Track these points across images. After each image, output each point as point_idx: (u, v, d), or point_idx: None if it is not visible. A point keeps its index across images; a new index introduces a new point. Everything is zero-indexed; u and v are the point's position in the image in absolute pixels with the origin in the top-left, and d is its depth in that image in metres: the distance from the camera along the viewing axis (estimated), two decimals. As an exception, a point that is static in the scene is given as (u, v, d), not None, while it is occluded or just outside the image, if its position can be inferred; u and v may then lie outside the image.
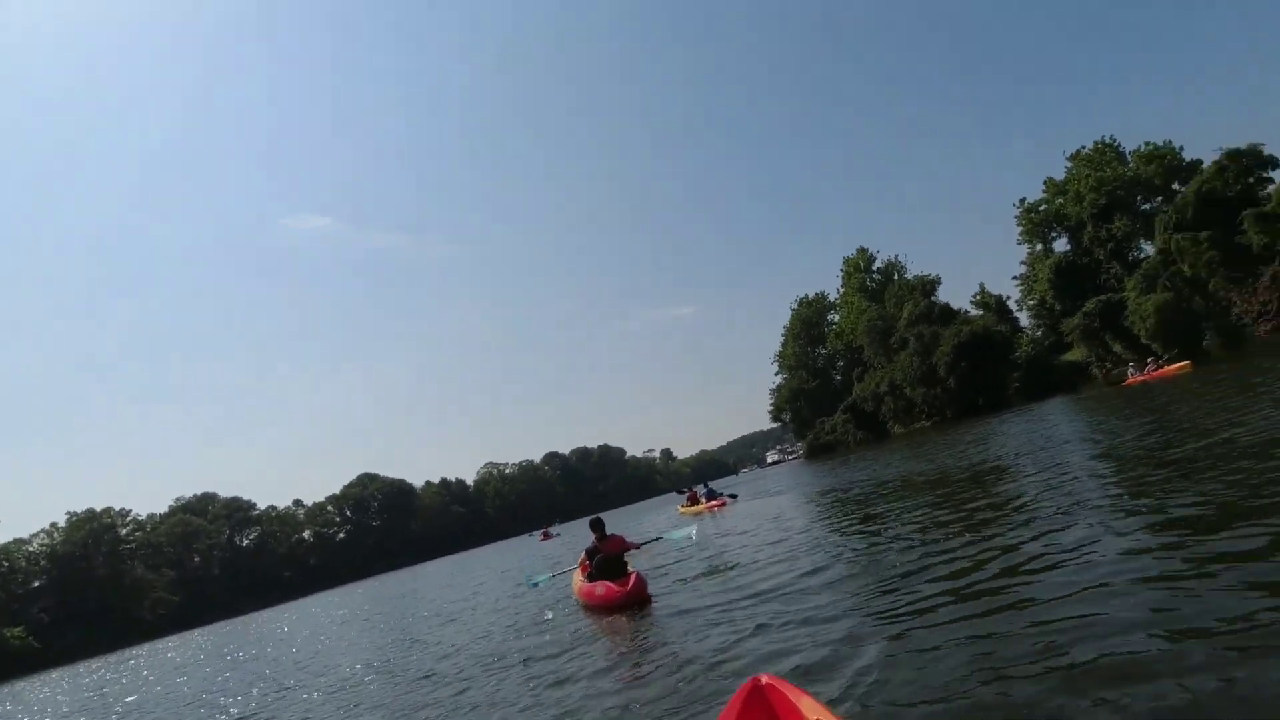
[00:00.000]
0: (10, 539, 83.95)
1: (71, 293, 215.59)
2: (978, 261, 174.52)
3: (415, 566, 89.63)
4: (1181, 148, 46.44)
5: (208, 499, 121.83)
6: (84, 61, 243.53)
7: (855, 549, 8.15)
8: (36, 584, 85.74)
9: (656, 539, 12.32)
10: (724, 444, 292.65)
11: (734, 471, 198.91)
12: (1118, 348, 44.53)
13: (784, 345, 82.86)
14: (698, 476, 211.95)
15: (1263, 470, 6.26)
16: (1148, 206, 47.08)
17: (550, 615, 9.59)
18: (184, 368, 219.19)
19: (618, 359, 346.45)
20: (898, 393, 59.46)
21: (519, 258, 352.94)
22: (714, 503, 25.00)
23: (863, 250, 75.84)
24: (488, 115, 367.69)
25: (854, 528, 10.12)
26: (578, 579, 9.83)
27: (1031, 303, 60.21)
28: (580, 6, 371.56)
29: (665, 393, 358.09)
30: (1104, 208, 46.46)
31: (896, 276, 71.23)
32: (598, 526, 9.95)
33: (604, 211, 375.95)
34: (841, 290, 76.86)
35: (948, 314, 57.59)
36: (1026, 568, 5.28)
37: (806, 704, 2.49)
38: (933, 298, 60.93)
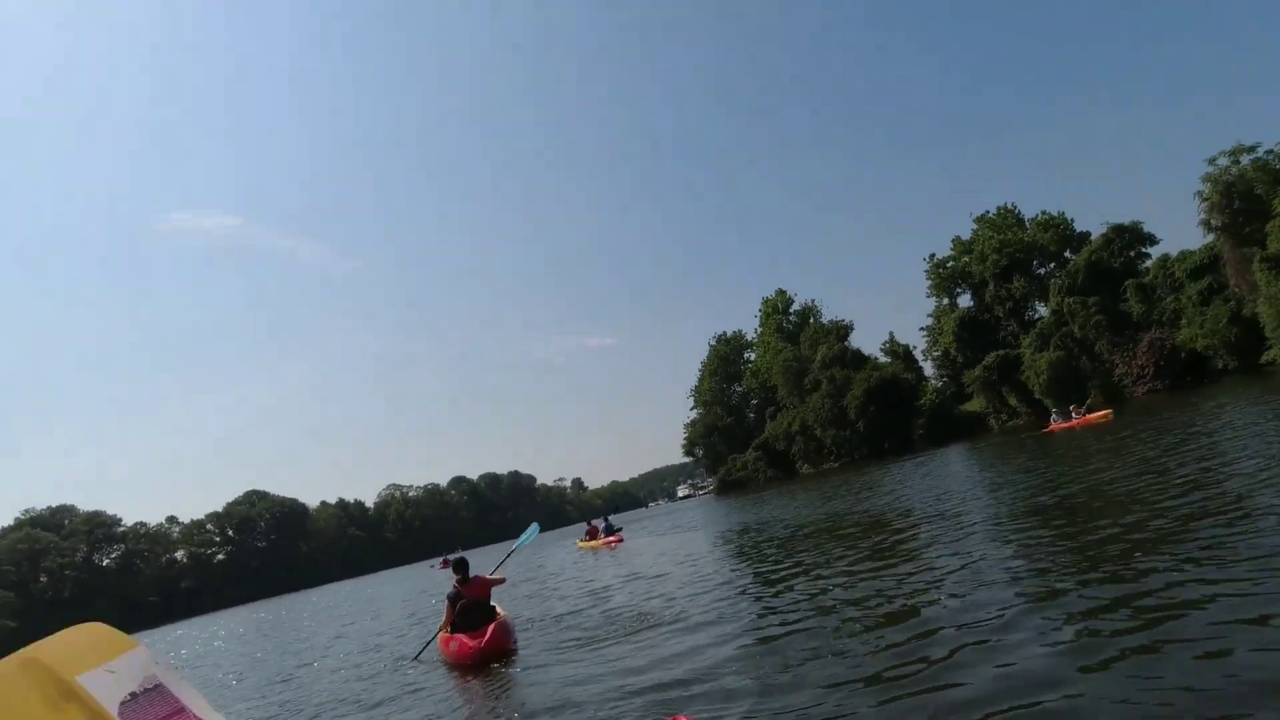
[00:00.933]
0: None
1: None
2: (888, 311, 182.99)
3: (302, 592, 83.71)
4: (1073, 219, 50.24)
5: (64, 512, 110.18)
6: None
7: (750, 599, 7.70)
8: None
9: (508, 555, 11.40)
10: (636, 476, 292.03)
11: (643, 504, 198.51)
12: (1013, 400, 47.06)
13: (700, 380, 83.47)
14: (609, 507, 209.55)
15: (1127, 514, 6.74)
16: (1042, 271, 50.43)
17: (408, 670, 8.53)
18: (52, 370, 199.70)
19: (533, 386, 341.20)
20: (809, 433, 60.64)
21: (433, 276, 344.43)
22: (611, 538, 24.78)
23: (781, 292, 77.82)
24: (417, 126, 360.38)
25: (750, 573, 9.57)
26: (441, 633, 8.74)
27: (936, 354, 63.16)
28: (495, 21, 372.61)
29: (579, 422, 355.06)
30: (1004, 269, 49.46)
31: (812, 320, 73.32)
32: (460, 568, 8.91)
33: (526, 234, 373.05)
34: (759, 329, 78.42)
35: (859, 359, 59.50)
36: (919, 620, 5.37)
37: None
38: (845, 342, 62.93)
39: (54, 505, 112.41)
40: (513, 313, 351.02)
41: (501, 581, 9.42)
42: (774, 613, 6.58)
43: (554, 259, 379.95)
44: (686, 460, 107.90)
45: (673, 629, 6.92)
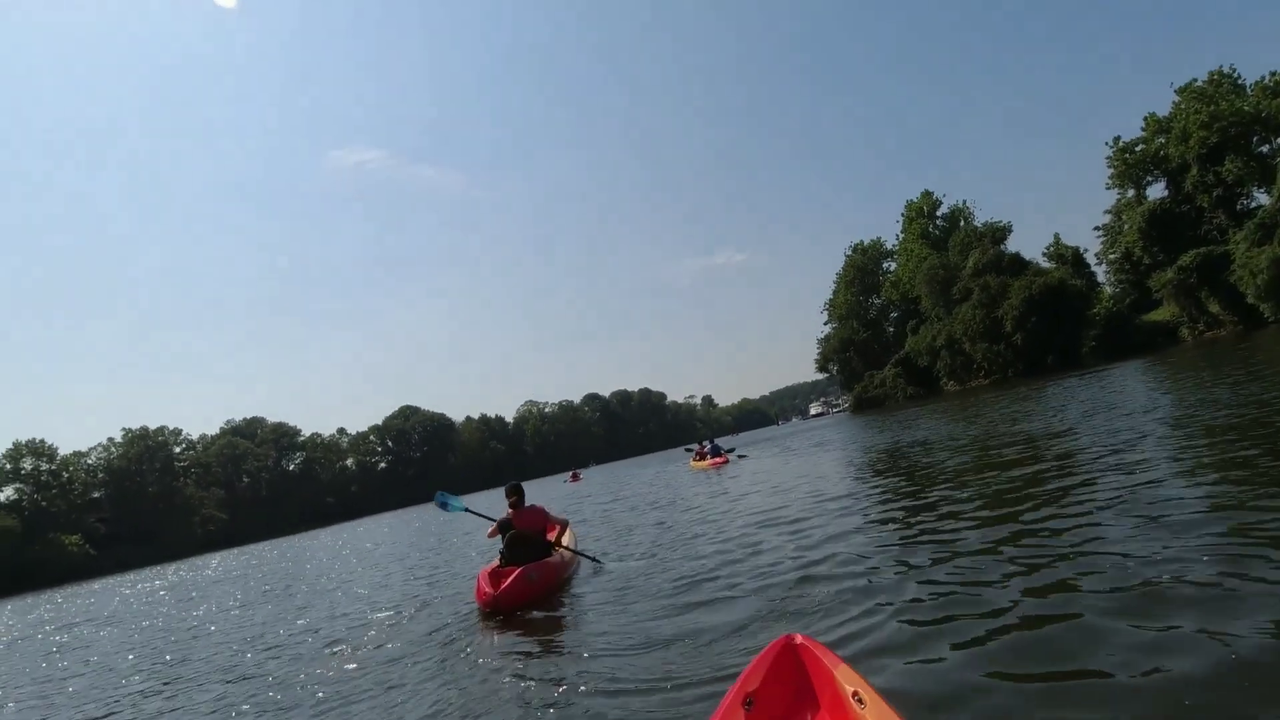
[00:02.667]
0: (70, 452, 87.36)
1: (123, 221, 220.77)
2: (1052, 212, 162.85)
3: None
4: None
5: (256, 423, 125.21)
6: None
7: (892, 547, 5.63)
8: (96, 495, 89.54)
9: (594, 560, 8.08)
10: (767, 393, 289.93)
11: (774, 421, 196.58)
12: (1214, 306, 39.85)
13: (835, 293, 78.73)
14: (738, 424, 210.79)
15: None
16: (1265, 148, 41.29)
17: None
18: (233, 298, 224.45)
19: (663, 305, 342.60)
20: (956, 347, 55.51)
21: (565, 201, 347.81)
22: (716, 459, 23.28)
23: (927, 194, 70.48)
24: (548, 55, 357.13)
25: (876, 504, 7.61)
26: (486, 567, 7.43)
27: (1113, 256, 54.80)
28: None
29: (710, 339, 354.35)
30: (1214, 148, 40.91)
31: (963, 223, 66.06)
32: (513, 493, 7.74)
33: (652, 155, 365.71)
34: (901, 236, 71.92)
35: (1018, 265, 52.87)
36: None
37: (842, 671, 2.41)
38: (1001, 246, 56.09)
39: (248, 417, 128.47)
40: (641, 233, 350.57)
41: (563, 525, 8.20)
42: (933, 583, 4.38)
43: (679, 178, 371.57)
44: (820, 377, 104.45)
45: (773, 583, 5.23)
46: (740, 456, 24.21)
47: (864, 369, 71.24)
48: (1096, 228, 56.86)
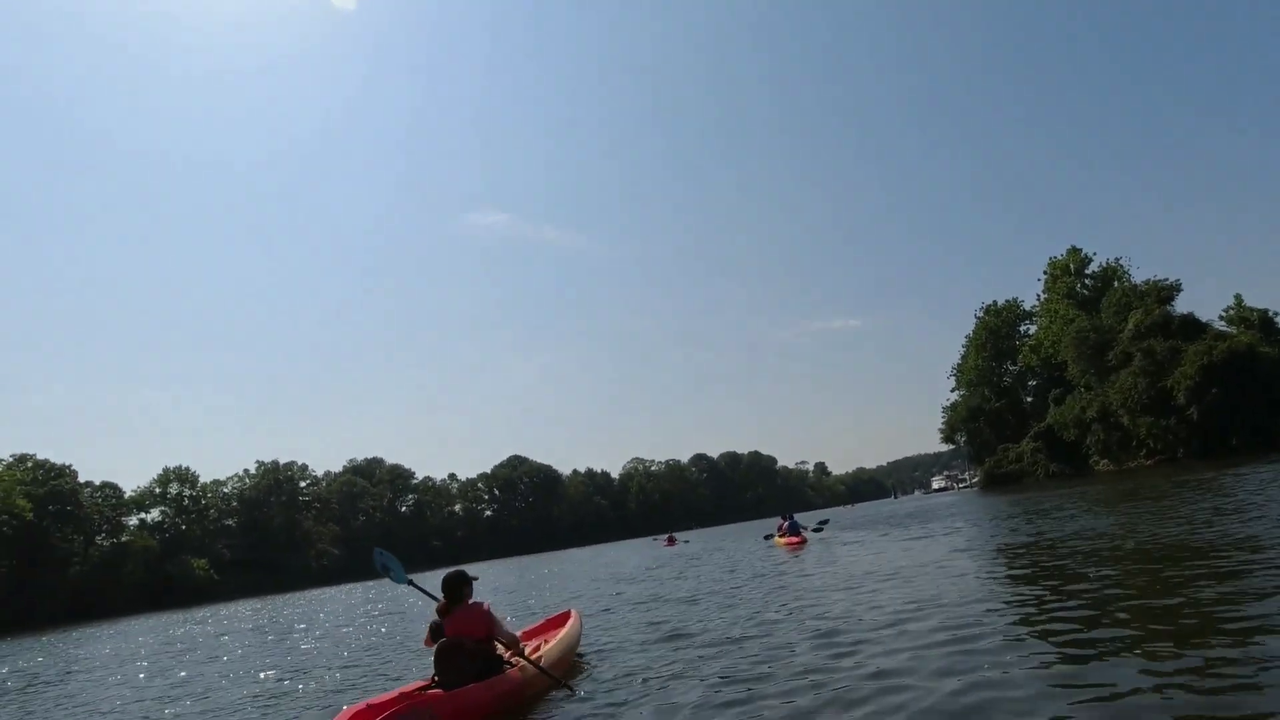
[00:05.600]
0: (209, 480, 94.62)
1: (270, 284, 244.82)
2: (1228, 270, 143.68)
3: (553, 553, 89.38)
4: None
5: (375, 463, 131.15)
6: (261, 55, 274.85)
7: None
8: (229, 522, 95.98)
9: (564, 686, 5.60)
10: (884, 464, 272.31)
11: (890, 494, 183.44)
12: None
13: (964, 358, 71.98)
14: (852, 494, 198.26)
15: None
16: None
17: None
18: (366, 348, 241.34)
19: (777, 368, 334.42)
20: (1111, 420, 48.09)
21: (683, 261, 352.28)
22: (793, 539, 20.01)
23: (1075, 250, 63.57)
24: (655, 119, 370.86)
25: (991, 633, 4.49)
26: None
27: (1316, 320, 46.13)
28: (743, 23, 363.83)
29: (824, 405, 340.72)
30: None
31: (1118, 282, 58.57)
32: (450, 585, 5.52)
33: (766, 217, 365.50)
34: (1043, 296, 64.94)
35: (1192, 327, 45.41)
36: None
37: None
38: (1169, 306, 48.68)
39: (368, 457, 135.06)
40: (752, 295, 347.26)
41: (511, 637, 5.62)
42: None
43: (794, 241, 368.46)
44: (944, 449, 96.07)
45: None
46: (816, 530, 22.91)
47: (997, 441, 63.86)
48: (1292, 287, 48.28)
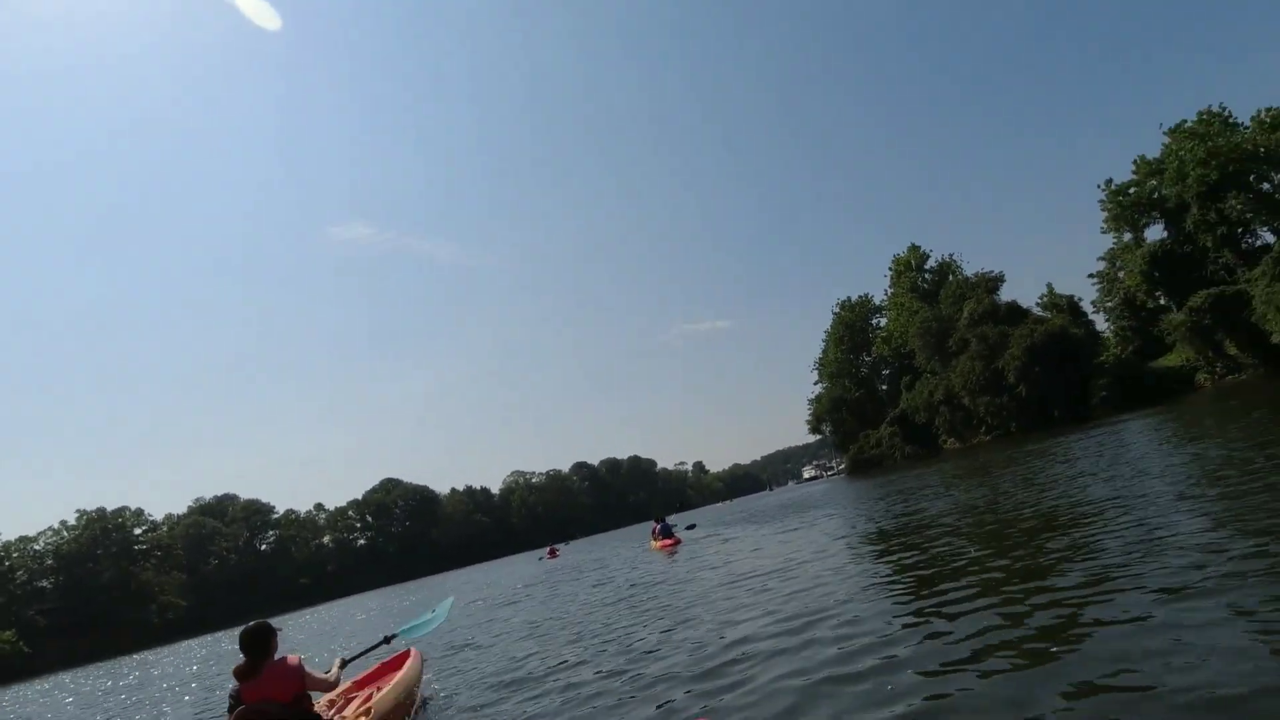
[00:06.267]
0: (15, 536, 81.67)
1: (99, 298, 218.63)
2: (1038, 262, 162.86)
3: (428, 578, 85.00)
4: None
5: (227, 500, 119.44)
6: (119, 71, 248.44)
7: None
8: (43, 584, 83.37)
9: (383, 641, 6.52)
10: (759, 458, 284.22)
11: (766, 487, 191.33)
12: (1233, 349, 37.02)
13: (825, 351, 75.94)
14: (730, 490, 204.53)
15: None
16: (1266, 185, 39.43)
17: None
18: (216, 373, 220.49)
19: (651, 372, 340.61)
20: (955, 402, 52.31)
21: (550, 269, 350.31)
22: (667, 541, 19.89)
23: (914, 248, 68.76)
24: (534, 128, 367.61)
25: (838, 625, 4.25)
26: None
27: (1111, 303, 52.54)
28: (594, 25, 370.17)
29: (699, 406, 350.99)
30: (1214, 185, 38.97)
31: (952, 276, 64.02)
32: (248, 645, 4.48)
33: (634, 224, 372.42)
34: (890, 291, 69.80)
35: (1016, 313, 50.28)
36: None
37: None
38: (996, 295, 53.73)
39: (219, 495, 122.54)
40: (626, 301, 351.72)
41: (329, 684, 4.80)
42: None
43: (662, 248, 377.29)
44: (813, 439, 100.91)
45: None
46: (689, 527, 23.48)
47: (859, 429, 67.75)
48: (1091, 275, 54.85)
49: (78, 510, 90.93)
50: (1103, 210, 47.56)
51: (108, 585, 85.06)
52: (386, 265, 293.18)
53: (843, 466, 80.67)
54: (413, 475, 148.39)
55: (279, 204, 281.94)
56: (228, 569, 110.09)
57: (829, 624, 5.26)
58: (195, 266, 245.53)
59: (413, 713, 5.58)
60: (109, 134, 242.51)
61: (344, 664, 5.43)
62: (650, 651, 5.91)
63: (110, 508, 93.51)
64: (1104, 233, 49.17)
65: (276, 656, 4.50)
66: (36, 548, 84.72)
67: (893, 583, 6.40)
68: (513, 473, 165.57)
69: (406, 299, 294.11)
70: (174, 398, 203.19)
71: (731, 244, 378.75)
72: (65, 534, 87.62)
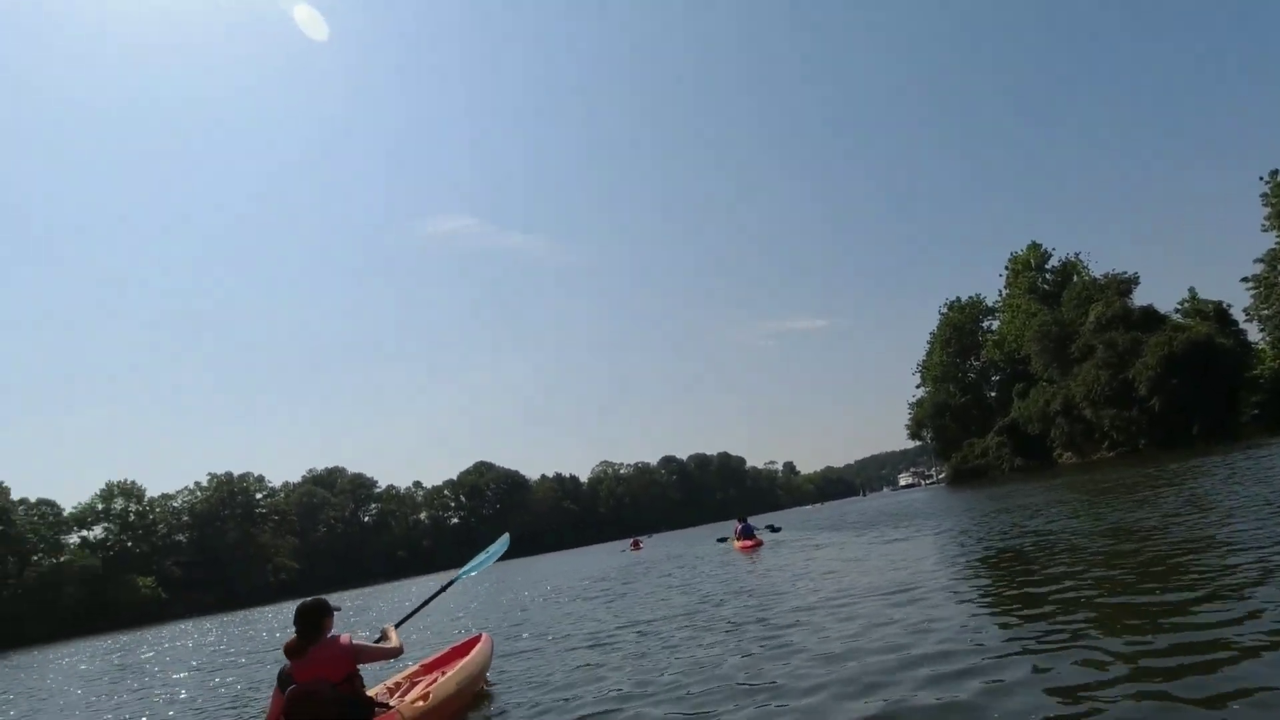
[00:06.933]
0: (159, 494, 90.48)
1: (227, 288, 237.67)
2: (1180, 266, 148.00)
3: (518, 559, 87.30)
4: None
5: (336, 473, 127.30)
6: (217, 64, 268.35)
7: None
8: (180, 538, 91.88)
9: (439, 593, 6.51)
10: (852, 462, 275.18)
11: (859, 492, 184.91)
12: None
13: (929, 354, 72.18)
14: (820, 493, 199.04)
15: None
16: None
17: None
18: (330, 357, 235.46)
19: (745, 368, 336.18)
20: (1075, 413, 48.27)
21: (652, 264, 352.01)
22: (747, 542, 19.46)
23: (1035, 246, 64.03)
24: (629, 125, 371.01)
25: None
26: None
27: (1268, 311, 46.92)
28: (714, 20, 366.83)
29: (792, 405, 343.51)
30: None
31: (1077, 277, 59.10)
32: (306, 619, 4.34)
33: (733, 220, 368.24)
34: (1005, 292, 65.34)
35: (1151, 319, 45.75)
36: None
37: None
38: (1128, 298, 49.08)
39: (329, 466, 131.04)
40: (722, 297, 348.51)
41: (390, 653, 4.59)
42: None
43: (762, 244, 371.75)
44: (911, 445, 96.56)
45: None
46: (773, 529, 23.04)
47: (962, 436, 64.01)
48: (1244, 279, 49.11)
49: (209, 473, 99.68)
50: (1264, 205, 42.33)
51: (232, 544, 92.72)
52: (484, 256, 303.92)
53: (942, 475, 76.72)
54: (505, 460, 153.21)
55: (385, 193, 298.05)
56: (334, 537, 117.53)
57: (977, 680, 4.08)
58: (310, 259, 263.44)
59: (477, 700, 5.31)
60: (247, 153, 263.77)
61: (398, 625, 5.24)
62: (742, 683, 5.32)
63: (236, 473, 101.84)
64: (1264, 231, 43.81)
65: (330, 635, 4.32)
66: (175, 504, 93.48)
67: (1051, 632, 5.11)
68: (601, 463, 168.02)
69: (508, 290, 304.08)
70: (292, 376, 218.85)
71: (835, 241, 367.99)
72: (199, 494, 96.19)
